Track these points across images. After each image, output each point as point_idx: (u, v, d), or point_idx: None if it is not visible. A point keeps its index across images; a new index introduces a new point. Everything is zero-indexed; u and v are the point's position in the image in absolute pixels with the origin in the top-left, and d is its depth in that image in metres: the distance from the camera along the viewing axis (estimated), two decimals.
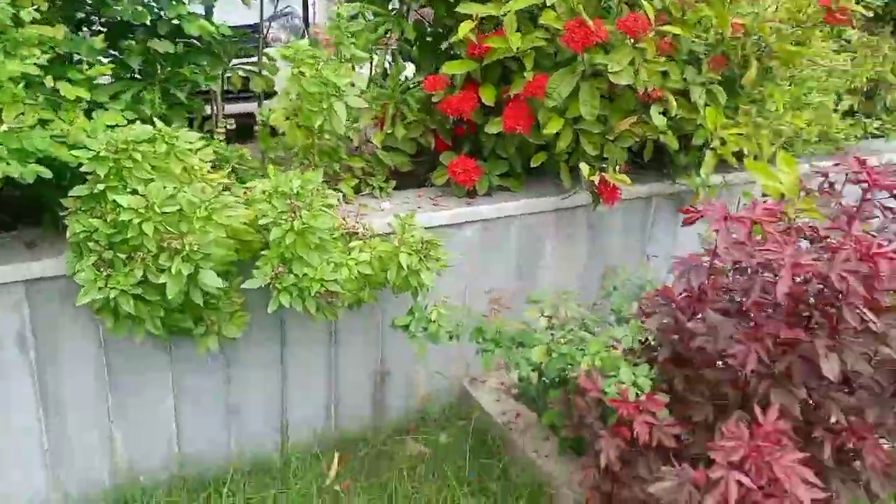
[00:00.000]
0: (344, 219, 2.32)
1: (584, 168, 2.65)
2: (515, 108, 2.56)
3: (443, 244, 2.45)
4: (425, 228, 2.68)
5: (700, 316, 1.80)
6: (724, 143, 2.71)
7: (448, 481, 2.61)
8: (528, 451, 2.65)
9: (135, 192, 1.90)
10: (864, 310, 1.49)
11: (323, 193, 2.09)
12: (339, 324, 2.64)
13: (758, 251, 1.60)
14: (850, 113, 3.53)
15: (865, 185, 1.83)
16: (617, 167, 2.68)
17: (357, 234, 2.29)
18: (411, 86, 2.86)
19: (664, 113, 2.62)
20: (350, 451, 2.78)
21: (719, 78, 2.72)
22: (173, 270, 1.88)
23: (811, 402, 1.71)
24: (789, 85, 3.06)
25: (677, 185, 3.09)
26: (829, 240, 1.70)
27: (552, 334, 2.22)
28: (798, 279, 1.57)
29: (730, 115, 2.87)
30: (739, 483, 1.46)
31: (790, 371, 1.61)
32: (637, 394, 1.85)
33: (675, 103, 2.59)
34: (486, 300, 2.45)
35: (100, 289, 1.90)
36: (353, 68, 2.57)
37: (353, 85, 2.33)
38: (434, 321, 2.29)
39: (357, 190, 2.85)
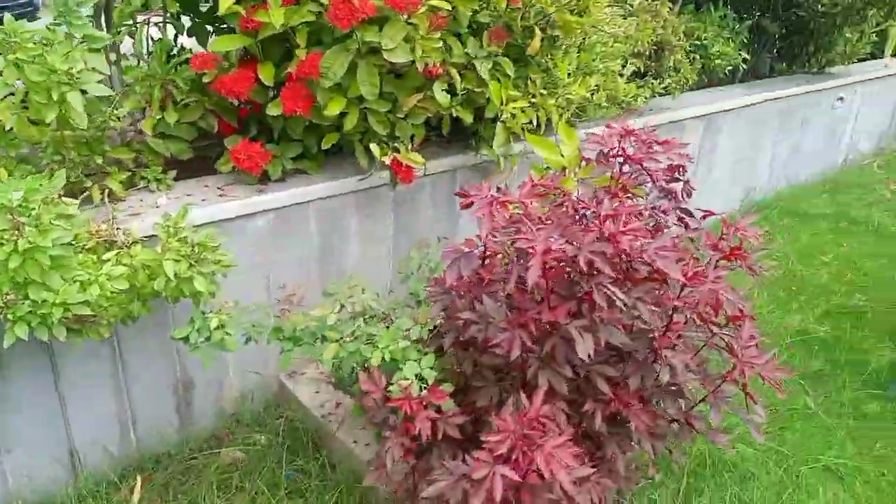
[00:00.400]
0: (99, 225, 2.07)
1: (375, 148, 2.53)
2: (294, 89, 2.39)
3: (223, 242, 2.27)
4: (212, 223, 2.49)
5: (475, 303, 1.77)
6: (514, 115, 2.69)
7: (260, 488, 2.48)
8: (347, 442, 2.57)
9: None
10: (613, 289, 1.50)
11: (56, 202, 1.83)
12: (119, 339, 2.39)
13: (515, 237, 1.57)
14: (640, 75, 3.67)
15: (622, 157, 1.86)
16: (410, 145, 2.59)
17: (116, 242, 2.05)
18: (181, 63, 2.59)
19: (450, 88, 2.55)
20: (155, 471, 2.57)
21: (500, 50, 2.68)
22: None
23: (582, 377, 1.74)
24: (579, 52, 3.09)
25: (481, 156, 3.07)
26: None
27: (343, 330, 2.12)
28: (553, 264, 1.56)
29: (521, 86, 2.87)
30: (504, 477, 1.44)
31: (554, 352, 1.61)
32: (421, 387, 1.80)
33: (458, 78, 2.52)
34: (283, 294, 2.31)
35: None
36: (101, 50, 2.27)
37: (93, 69, 2.04)
38: (218, 328, 2.11)
39: (130, 185, 2.57)
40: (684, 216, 2.43)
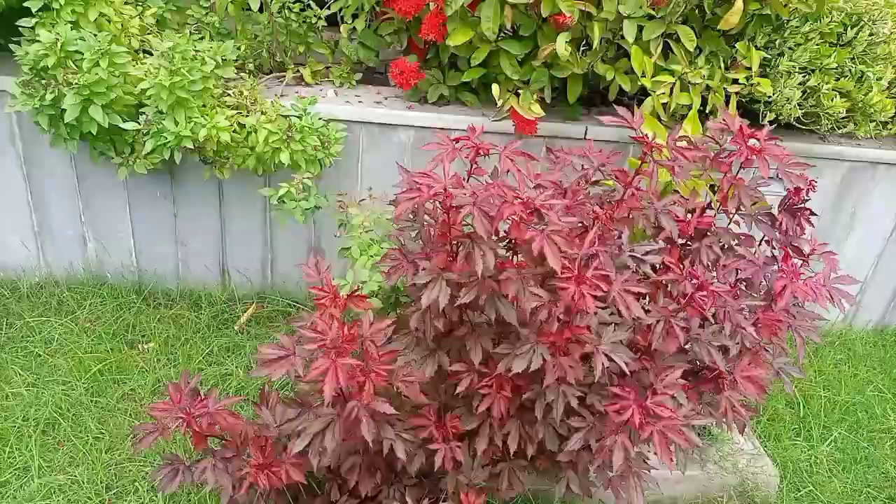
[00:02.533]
0: (246, 92, 2.59)
1: (496, 89, 2.57)
2: (434, 16, 2.55)
3: (340, 137, 2.64)
4: (357, 122, 2.85)
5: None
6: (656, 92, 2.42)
7: None
8: None
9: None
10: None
11: (202, 60, 2.39)
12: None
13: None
14: None
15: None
16: (534, 95, 2.55)
17: (248, 106, 2.56)
18: None
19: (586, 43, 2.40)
20: (270, 305, 3.16)
21: (666, 13, 2.39)
22: (67, 101, 2.35)
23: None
24: (821, 42, 2.53)
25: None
26: None
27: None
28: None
29: (713, 66, 2.51)
30: None
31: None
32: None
33: (596, 34, 2.36)
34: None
35: (22, 104, 2.44)
36: None
37: None
38: (289, 198, 2.50)
39: (322, 77, 3.08)
40: (789, 251, 1.99)
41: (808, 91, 2.87)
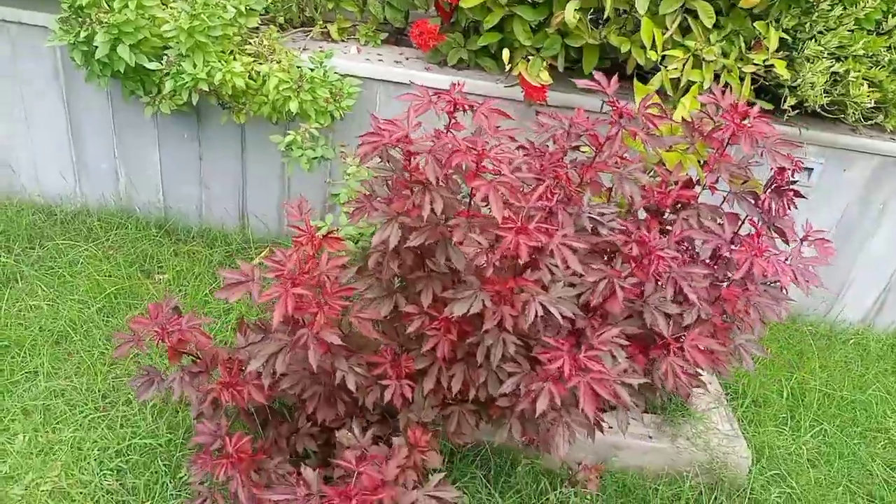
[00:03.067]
0: (264, 42, 2.70)
1: (506, 54, 2.60)
2: None
3: (353, 92, 2.73)
4: (374, 80, 2.93)
5: None
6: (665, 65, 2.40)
7: None
8: None
9: None
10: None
11: (223, 6, 2.50)
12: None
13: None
14: None
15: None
16: (545, 62, 2.57)
17: (266, 56, 2.67)
18: None
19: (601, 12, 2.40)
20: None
21: None
22: (98, 38, 2.51)
23: None
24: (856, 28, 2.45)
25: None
26: None
27: None
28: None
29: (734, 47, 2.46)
30: None
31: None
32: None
33: (610, 2, 2.36)
34: None
35: (59, 39, 2.61)
36: None
37: None
38: (295, 146, 2.61)
39: (348, 34, 3.16)
40: (771, 232, 1.98)
41: (839, 78, 2.79)
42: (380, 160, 1.67)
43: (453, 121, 1.82)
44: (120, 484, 2.04)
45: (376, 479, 1.53)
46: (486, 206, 1.65)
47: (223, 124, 2.89)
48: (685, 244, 2.02)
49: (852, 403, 2.92)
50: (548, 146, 1.94)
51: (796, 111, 2.85)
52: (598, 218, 1.69)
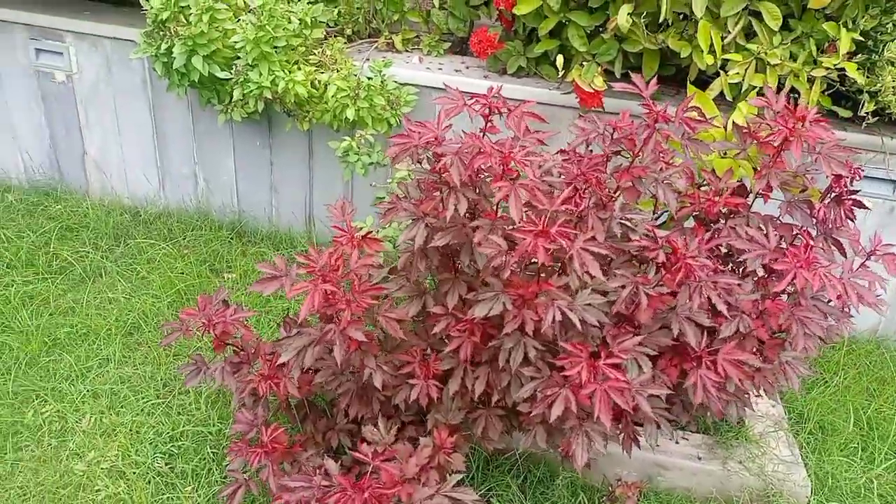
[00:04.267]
0: (323, 51, 2.81)
1: (559, 60, 2.58)
2: None
3: (410, 100, 2.80)
4: (433, 88, 2.99)
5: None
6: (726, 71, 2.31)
7: None
8: None
9: None
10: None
11: (287, 18, 2.63)
12: None
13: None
14: None
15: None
16: (599, 68, 2.54)
17: (328, 66, 2.78)
18: None
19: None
20: None
21: None
22: (176, 50, 2.70)
23: None
24: None
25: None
26: None
27: None
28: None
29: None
30: None
31: None
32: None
33: (666, 5, 2.30)
34: None
35: (143, 51, 2.83)
36: None
37: None
38: (351, 152, 2.69)
39: (413, 44, 3.24)
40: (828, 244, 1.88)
41: None
42: (411, 162, 1.71)
43: (489, 124, 1.85)
44: (170, 467, 2.16)
45: (394, 475, 1.55)
46: None
47: (288, 131, 3.03)
48: (734, 256, 1.93)
49: None
50: (591, 150, 1.92)
51: (877, 118, 2.67)
52: (628, 223, 1.65)
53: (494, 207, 1.67)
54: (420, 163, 1.74)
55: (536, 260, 1.46)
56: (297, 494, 1.53)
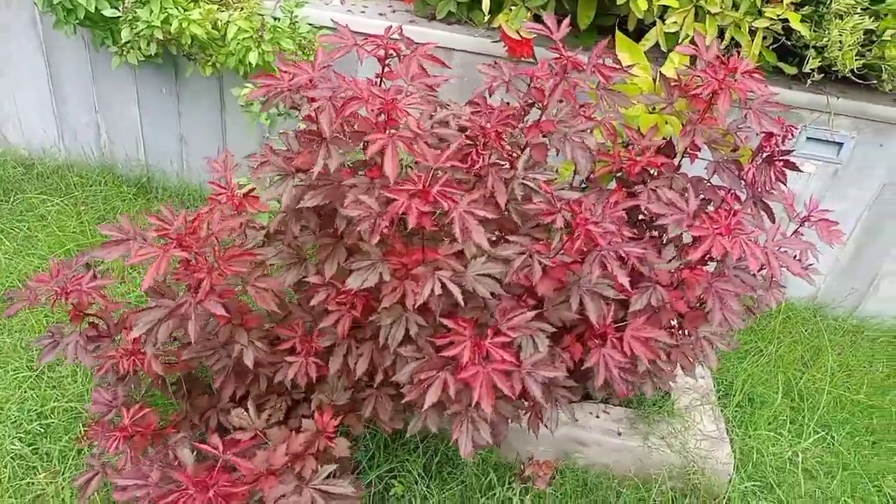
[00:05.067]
0: None
1: (485, 4, 2.34)
2: None
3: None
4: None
5: None
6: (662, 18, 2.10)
7: None
8: None
9: None
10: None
11: None
12: None
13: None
14: None
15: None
16: (529, 12, 2.30)
17: (230, 3, 2.49)
18: None
19: None
20: None
21: None
22: None
23: None
24: None
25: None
26: None
27: None
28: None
29: None
30: None
31: None
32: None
33: None
34: None
35: None
36: None
37: None
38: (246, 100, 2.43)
39: None
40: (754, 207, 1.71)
41: (874, 38, 2.43)
42: (283, 108, 1.47)
43: (387, 69, 1.62)
44: (33, 449, 1.94)
45: (253, 468, 1.36)
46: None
47: (190, 76, 2.74)
48: (655, 221, 1.76)
49: (869, 409, 2.60)
50: (508, 103, 1.71)
51: (823, 76, 2.50)
52: (530, 185, 1.45)
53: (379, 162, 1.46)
54: (298, 109, 1.51)
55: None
56: (129, 493, 1.33)
